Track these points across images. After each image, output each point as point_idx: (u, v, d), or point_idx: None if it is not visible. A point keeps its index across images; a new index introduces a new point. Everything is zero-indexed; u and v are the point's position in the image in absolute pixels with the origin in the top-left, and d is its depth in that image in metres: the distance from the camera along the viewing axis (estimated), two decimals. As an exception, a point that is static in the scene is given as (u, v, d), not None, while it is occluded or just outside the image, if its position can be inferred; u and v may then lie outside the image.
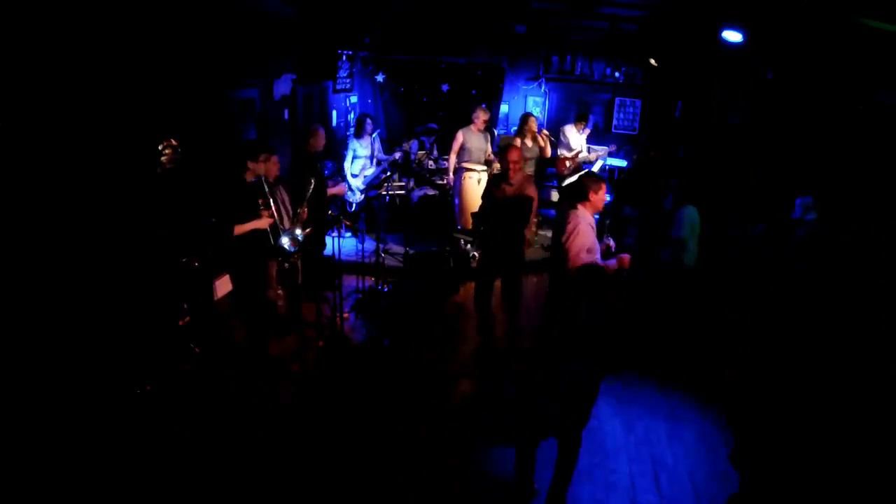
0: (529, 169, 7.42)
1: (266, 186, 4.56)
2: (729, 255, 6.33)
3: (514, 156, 4.71)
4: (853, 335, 3.76)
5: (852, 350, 3.62)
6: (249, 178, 4.50)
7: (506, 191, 4.74)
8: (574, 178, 7.86)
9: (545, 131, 7.46)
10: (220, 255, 4.80)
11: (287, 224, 4.77)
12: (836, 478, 2.91)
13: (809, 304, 4.70)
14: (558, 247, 4.19)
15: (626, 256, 4.25)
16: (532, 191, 4.79)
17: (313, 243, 5.39)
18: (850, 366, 3.49)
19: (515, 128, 9.21)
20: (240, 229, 4.38)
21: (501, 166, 4.80)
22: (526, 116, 7.42)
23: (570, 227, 4.08)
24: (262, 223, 4.49)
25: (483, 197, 5.05)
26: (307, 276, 5.36)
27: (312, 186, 4.99)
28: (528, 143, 7.29)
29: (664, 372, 5.05)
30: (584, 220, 4.13)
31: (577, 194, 4.33)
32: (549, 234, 7.03)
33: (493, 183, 4.91)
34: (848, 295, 4.22)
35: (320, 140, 5.70)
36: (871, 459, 2.87)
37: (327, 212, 5.54)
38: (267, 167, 4.69)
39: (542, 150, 7.39)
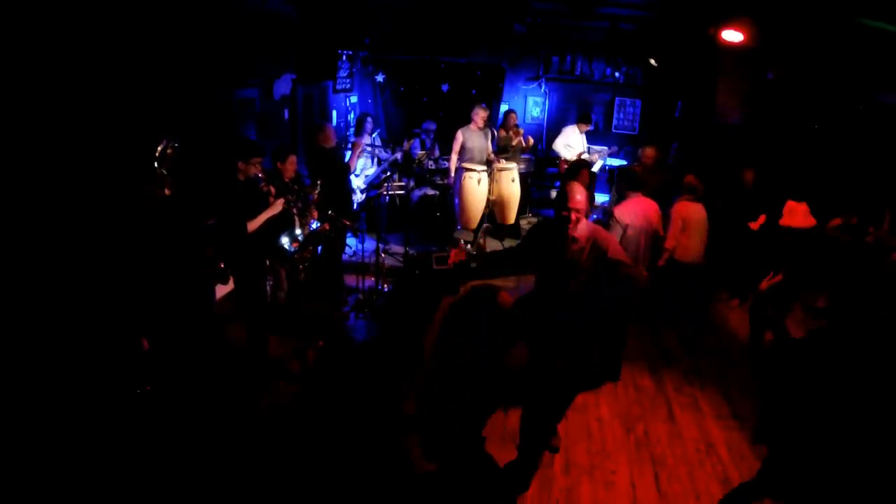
0: (517, 163, 7.69)
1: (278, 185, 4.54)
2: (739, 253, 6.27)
3: (579, 194, 3.21)
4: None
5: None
6: (241, 177, 4.48)
7: (576, 257, 3.30)
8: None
9: (521, 128, 7.95)
10: (224, 254, 4.79)
11: (298, 224, 4.74)
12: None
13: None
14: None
15: None
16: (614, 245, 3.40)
17: (335, 243, 5.35)
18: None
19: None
20: (254, 224, 4.36)
21: (566, 216, 3.27)
22: (508, 112, 8.14)
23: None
24: (275, 209, 4.47)
25: (546, 264, 3.47)
26: (308, 276, 5.34)
27: (319, 186, 4.97)
28: (508, 134, 7.83)
29: (663, 371, 5.04)
30: None
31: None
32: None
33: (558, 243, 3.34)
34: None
35: (329, 136, 5.67)
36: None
37: (350, 209, 5.47)
38: (284, 167, 4.69)
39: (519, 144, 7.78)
